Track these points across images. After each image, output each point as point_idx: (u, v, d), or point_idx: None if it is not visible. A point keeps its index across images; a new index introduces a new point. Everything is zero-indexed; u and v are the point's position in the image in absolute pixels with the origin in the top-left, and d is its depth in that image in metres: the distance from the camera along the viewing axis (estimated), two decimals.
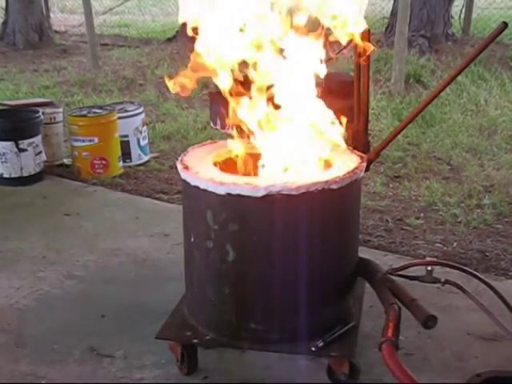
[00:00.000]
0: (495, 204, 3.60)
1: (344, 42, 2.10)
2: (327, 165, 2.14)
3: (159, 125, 5.33)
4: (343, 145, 2.14)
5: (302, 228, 1.97)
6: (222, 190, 1.93)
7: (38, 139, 4.15)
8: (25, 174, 4.13)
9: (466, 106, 5.41)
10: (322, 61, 2.02)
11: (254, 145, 2.29)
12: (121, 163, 4.32)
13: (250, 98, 2.04)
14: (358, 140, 2.23)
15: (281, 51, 2.00)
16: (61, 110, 4.54)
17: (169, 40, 8.21)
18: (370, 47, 2.11)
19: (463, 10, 7.55)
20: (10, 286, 2.86)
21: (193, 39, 2.00)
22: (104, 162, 4.20)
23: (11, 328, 2.53)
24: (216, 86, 2.32)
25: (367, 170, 2.20)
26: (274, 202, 1.91)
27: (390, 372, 1.65)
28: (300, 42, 1.98)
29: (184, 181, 2.07)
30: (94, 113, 4.27)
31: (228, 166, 2.21)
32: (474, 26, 7.59)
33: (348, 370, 2.04)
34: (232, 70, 2.03)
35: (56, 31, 9.78)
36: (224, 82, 2.02)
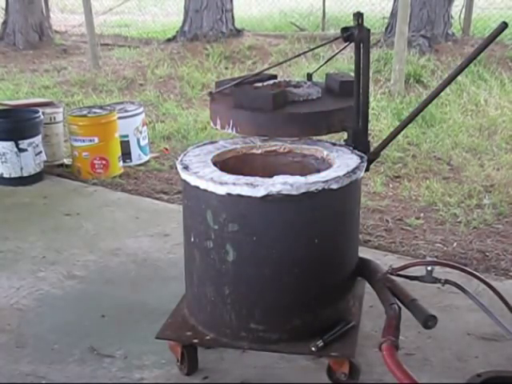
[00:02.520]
0: (495, 204, 3.60)
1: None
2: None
3: (159, 125, 5.33)
4: None
5: (302, 228, 1.97)
6: (222, 190, 1.93)
7: (38, 139, 4.15)
8: (25, 174, 4.13)
9: (466, 106, 5.41)
10: None
11: (254, 144, 2.30)
12: (121, 163, 4.32)
13: None
14: (358, 140, 2.23)
15: None
16: (61, 109, 4.55)
17: (169, 40, 8.21)
18: None
19: (463, 10, 7.55)
20: (10, 286, 2.86)
21: None
22: (104, 161, 4.20)
23: (11, 328, 2.53)
24: (217, 86, 2.32)
25: (367, 169, 2.20)
26: (273, 201, 1.91)
27: (390, 372, 1.65)
28: None
29: (184, 181, 2.08)
30: (94, 113, 4.27)
31: (228, 166, 2.21)
32: (474, 26, 7.59)
33: (348, 369, 2.03)
34: None
35: (56, 31, 9.77)
36: None
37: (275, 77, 2.46)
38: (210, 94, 2.27)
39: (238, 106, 2.16)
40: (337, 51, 2.70)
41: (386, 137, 2.25)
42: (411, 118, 2.18)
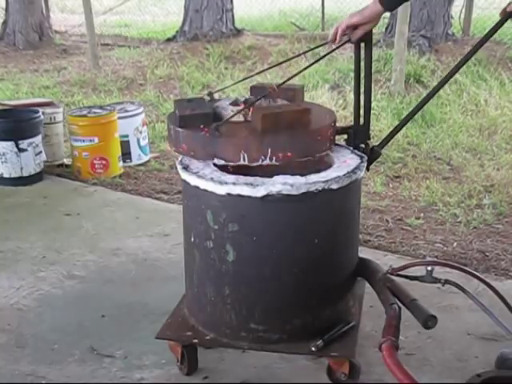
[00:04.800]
0: (495, 204, 3.60)
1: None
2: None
3: (159, 125, 5.33)
4: None
5: (302, 228, 1.97)
6: (222, 190, 1.93)
7: (38, 139, 4.15)
8: (25, 174, 4.13)
9: (466, 105, 5.41)
10: None
11: None
12: (121, 163, 4.32)
13: None
14: (358, 140, 2.23)
15: None
16: (61, 109, 4.55)
17: (169, 40, 8.21)
18: None
19: (463, 10, 7.55)
20: (10, 285, 2.86)
21: None
22: (104, 161, 4.20)
23: (11, 328, 2.53)
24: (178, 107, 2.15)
25: (367, 169, 2.20)
26: (273, 201, 1.91)
27: (390, 372, 1.65)
28: None
29: (184, 181, 2.07)
30: (94, 113, 4.27)
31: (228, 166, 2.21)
32: (474, 26, 7.58)
33: (348, 369, 2.03)
34: None
35: (56, 31, 9.77)
36: None
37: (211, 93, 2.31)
38: (216, 128, 1.97)
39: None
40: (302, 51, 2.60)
41: (387, 135, 2.25)
42: (414, 113, 2.20)
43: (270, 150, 1.94)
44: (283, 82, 2.19)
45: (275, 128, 1.97)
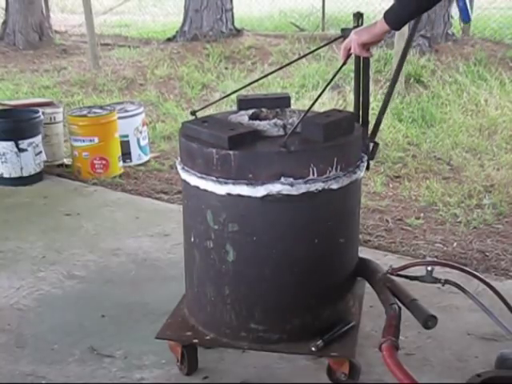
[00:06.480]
0: (495, 204, 3.60)
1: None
2: None
3: (159, 125, 5.33)
4: None
5: (302, 228, 1.97)
6: (222, 190, 1.93)
7: (38, 139, 4.15)
8: (25, 174, 4.13)
9: (466, 105, 5.41)
10: None
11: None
12: (121, 163, 4.32)
13: None
14: None
15: None
16: (61, 109, 4.55)
17: (169, 40, 8.21)
18: None
19: None
20: (10, 285, 2.86)
21: None
22: (104, 161, 4.20)
23: (11, 328, 2.53)
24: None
25: (368, 167, 2.20)
26: (273, 201, 1.91)
27: (390, 372, 1.65)
28: None
29: (184, 181, 2.08)
30: (94, 113, 4.27)
31: None
32: (474, 26, 7.58)
33: (348, 369, 2.03)
34: None
35: (56, 31, 9.76)
36: None
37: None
38: (284, 144, 1.86)
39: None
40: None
41: (373, 126, 2.26)
42: (389, 97, 2.23)
43: (335, 160, 1.92)
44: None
45: (334, 137, 1.95)
